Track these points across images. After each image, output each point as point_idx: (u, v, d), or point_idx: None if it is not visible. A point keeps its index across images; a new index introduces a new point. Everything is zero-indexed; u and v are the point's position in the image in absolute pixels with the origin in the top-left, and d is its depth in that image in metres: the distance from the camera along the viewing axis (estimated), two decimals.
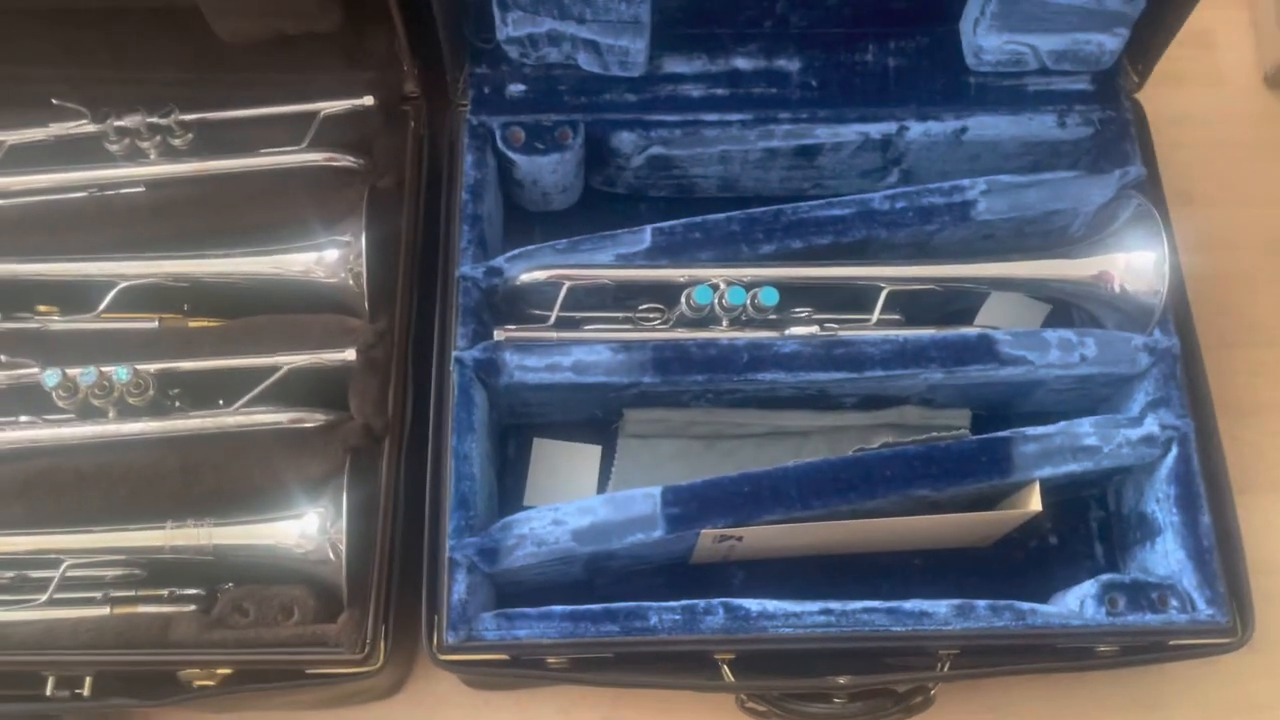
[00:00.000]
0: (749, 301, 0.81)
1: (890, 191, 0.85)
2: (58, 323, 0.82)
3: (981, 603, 0.75)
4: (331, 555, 0.74)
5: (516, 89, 0.88)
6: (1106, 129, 0.88)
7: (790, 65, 0.89)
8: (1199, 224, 1.01)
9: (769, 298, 0.80)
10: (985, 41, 0.85)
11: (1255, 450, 0.94)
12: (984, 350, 0.81)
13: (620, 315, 0.85)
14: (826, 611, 0.75)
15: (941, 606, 0.75)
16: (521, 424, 0.90)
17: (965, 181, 0.85)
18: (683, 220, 0.84)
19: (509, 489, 0.89)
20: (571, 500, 0.84)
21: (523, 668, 0.77)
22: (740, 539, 0.78)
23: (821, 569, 0.85)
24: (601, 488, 0.89)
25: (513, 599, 0.78)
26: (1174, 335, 0.81)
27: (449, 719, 0.86)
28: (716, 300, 0.81)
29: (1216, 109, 1.08)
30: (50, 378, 0.76)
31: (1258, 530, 0.89)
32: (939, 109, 0.88)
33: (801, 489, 0.77)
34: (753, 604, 0.75)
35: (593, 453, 0.90)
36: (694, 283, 0.82)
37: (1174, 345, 0.81)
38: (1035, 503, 0.77)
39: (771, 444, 0.88)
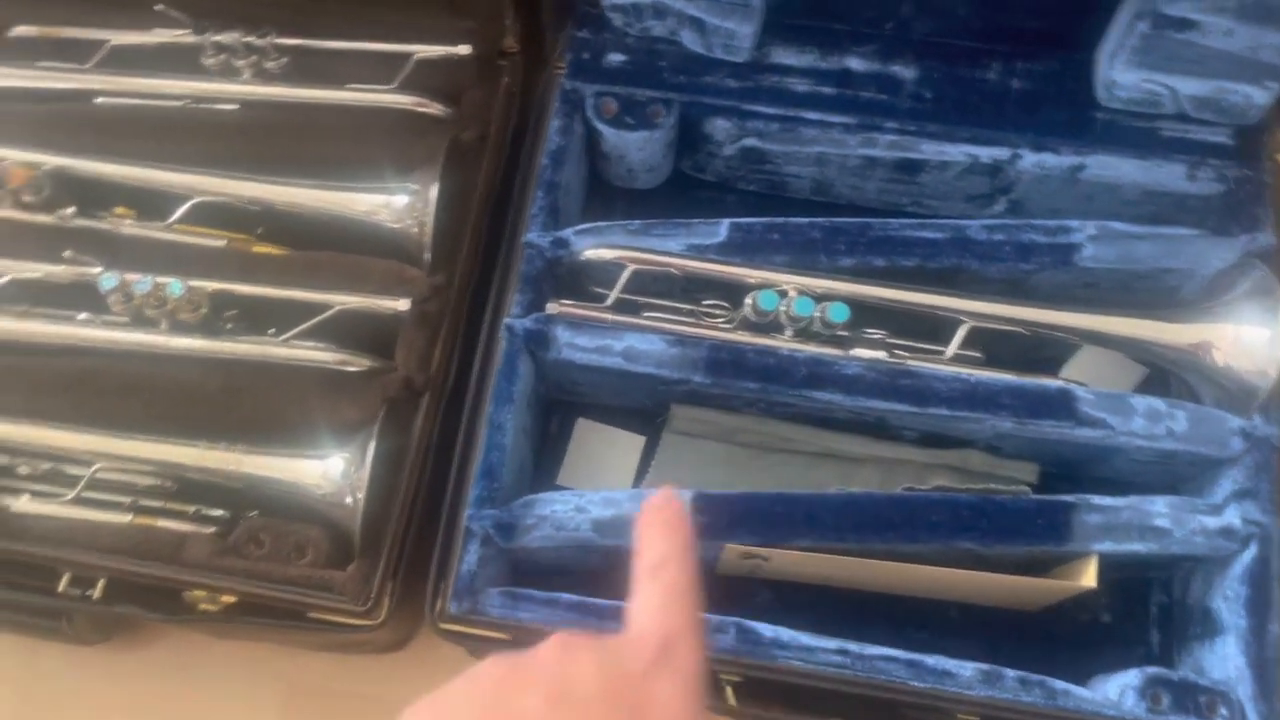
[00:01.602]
0: (816, 314, 0.76)
1: (989, 221, 0.80)
2: (129, 227, 0.83)
3: (1011, 672, 0.70)
4: (349, 501, 0.73)
5: (616, 59, 0.85)
6: (1240, 189, 0.81)
7: (905, 73, 0.84)
8: None
9: (838, 314, 0.76)
10: (1120, 76, 0.79)
11: None
12: (1062, 406, 0.75)
13: (684, 307, 0.82)
14: (843, 652, 0.70)
15: (967, 669, 0.70)
16: (569, 401, 0.88)
17: (1073, 223, 0.79)
18: (763, 219, 0.81)
19: (545, 464, 0.87)
20: (606, 486, 0.82)
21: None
22: (766, 559, 0.74)
23: (853, 604, 0.80)
24: (639, 480, 0.86)
25: (527, 575, 0.76)
26: (1276, 424, 0.74)
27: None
28: (782, 308, 0.77)
29: None
30: (107, 281, 0.76)
31: None
32: (1058, 141, 0.82)
33: (839, 519, 0.73)
34: (766, 629, 0.71)
35: (635, 442, 0.87)
36: (763, 285, 0.78)
37: (1274, 435, 0.74)
38: (1090, 578, 0.72)
39: (821, 465, 0.84)
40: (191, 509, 0.78)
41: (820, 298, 0.77)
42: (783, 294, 0.77)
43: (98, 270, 0.78)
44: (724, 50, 0.82)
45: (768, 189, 0.91)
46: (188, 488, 0.79)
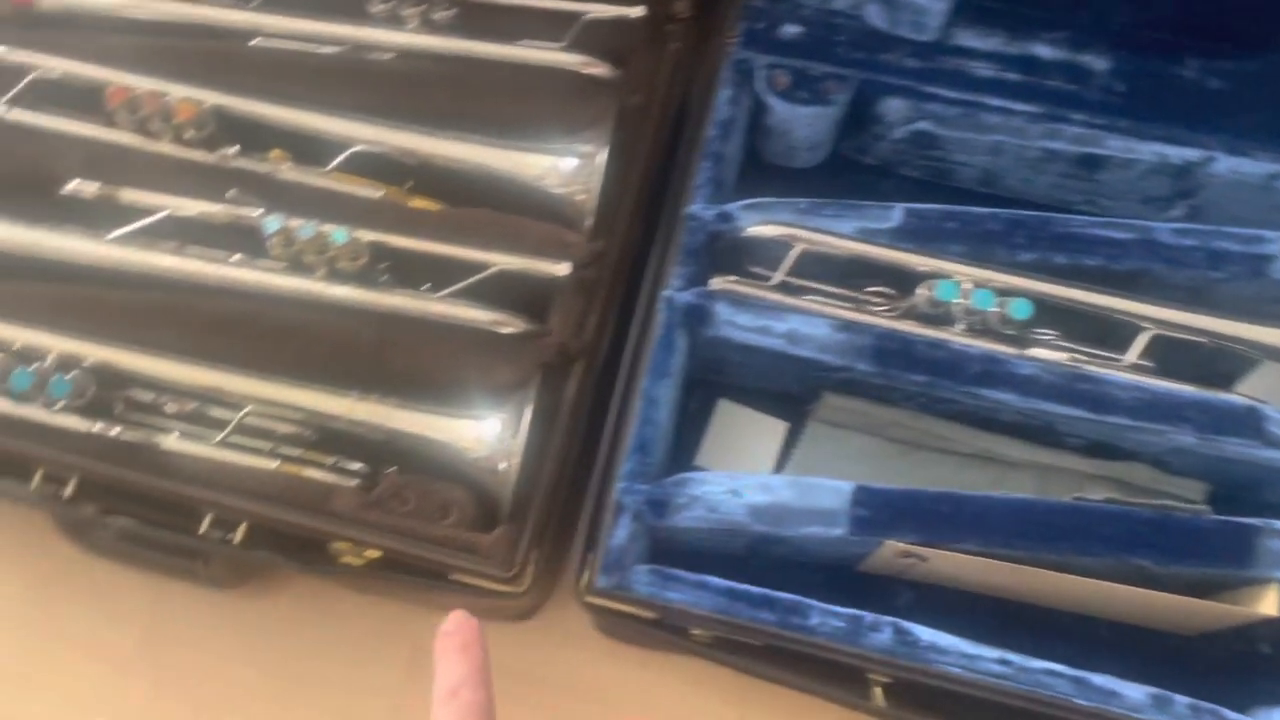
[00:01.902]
0: (995, 310, 0.73)
1: (1179, 225, 0.76)
2: (287, 171, 0.81)
3: (1181, 699, 0.67)
4: (503, 466, 0.71)
5: (791, 30, 0.82)
6: None
7: (1097, 63, 0.80)
8: None
9: (1021, 310, 0.72)
10: None
11: None
12: (1249, 425, 0.71)
13: (840, 292, 0.79)
14: (1004, 662, 0.68)
15: (1135, 691, 0.67)
16: (711, 380, 0.85)
17: (1270, 233, 0.75)
18: (938, 205, 0.77)
19: (681, 443, 0.85)
20: (745, 471, 0.80)
21: (665, 630, 0.73)
22: (925, 559, 0.72)
23: (998, 612, 0.78)
24: (779, 467, 0.84)
25: (665, 554, 0.74)
26: None
27: (573, 659, 0.83)
28: (958, 300, 0.74)
29: None
30: (271, 224, 0.75)
31: None
32: (1255, 146, 0.78)
33: (1007, 524, 0.70)
34: (924, 632, 0.68)
35: (777, 428, 0.85)
36: (936, 275, 0.75)
37: None
38: (1271, 605, 0.68)
39: (972, 468, 0.81)
40: (330, 460, 0.77)
41: (1000, 292, 0.74)
42: (959, 285, 0.74)
43: (259, 212, 0.77)
44: (909, 28, 0.79)
45: (930, 176, 0.88)
46: (326, 438, 0.78)
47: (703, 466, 0.84)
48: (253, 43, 0.86)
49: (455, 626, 0.47)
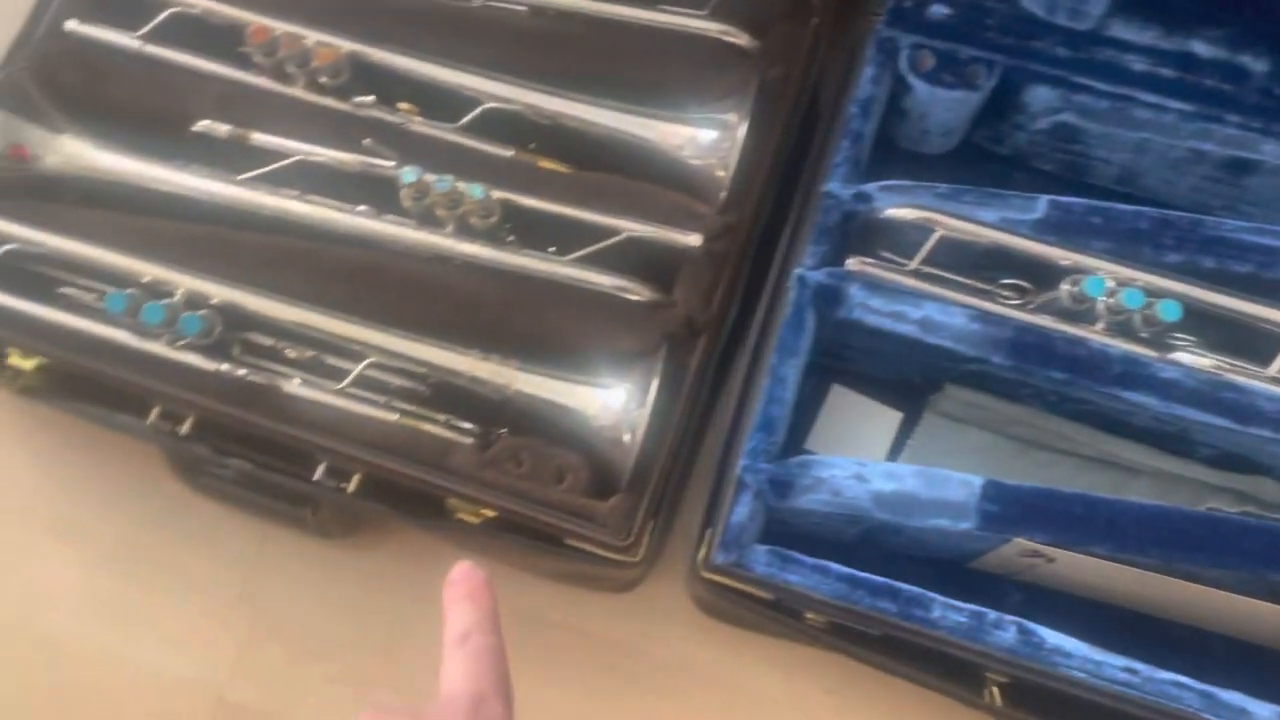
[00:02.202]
0: (1141, 310, 0.71)
1: None
2: (419, 124, 0.81)
3: None
4: (626, 437, 0.70)
5: (939, 11, 0.80)
6: None
7: (1256, 65, 0.77)
8: None
9: (1170, 312, 0.70)
10: None
11: None
12: None
13: (971, 283, 0.77)
14: (1130, 670, 0.66)
15: (1265, 709, 0.65)
16: (825, 365, 0.84)
17: None
18: (1084, 200, 0.75)
19: (791, 426, 0.83)
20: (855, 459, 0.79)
21: (779, 612, 0.72)
22: (1052, 560, 0.70)
23: (1111, 619, 0.76)
24: (890, 458, 0.83)
25: (776, 536, 0.73)
26: None
27: (671, 635, 0.82)
28: (1106, 297, 0.72)
29: None
30: (409, 174, 0.74)
31: None
32: None
33: (1142, 531, 0.68)
34: (1049, 634, 0.67)
35: (891, 418, 0.84)
36: (1077, 270, 0.74)
37: None
38: None
39: (1092, 471, 0.79)
40: (442, 417, 0.77)
41: (1147, 292, 0.71)
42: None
43: (392, 163, 0.76)
44: (1067, 15, 0.76)
45: (1064, 170, 0.86)
46: (438, 395, 0.77)
47: (812, 451, 0.83)
48: None
49: (460, 576, 0.47)
